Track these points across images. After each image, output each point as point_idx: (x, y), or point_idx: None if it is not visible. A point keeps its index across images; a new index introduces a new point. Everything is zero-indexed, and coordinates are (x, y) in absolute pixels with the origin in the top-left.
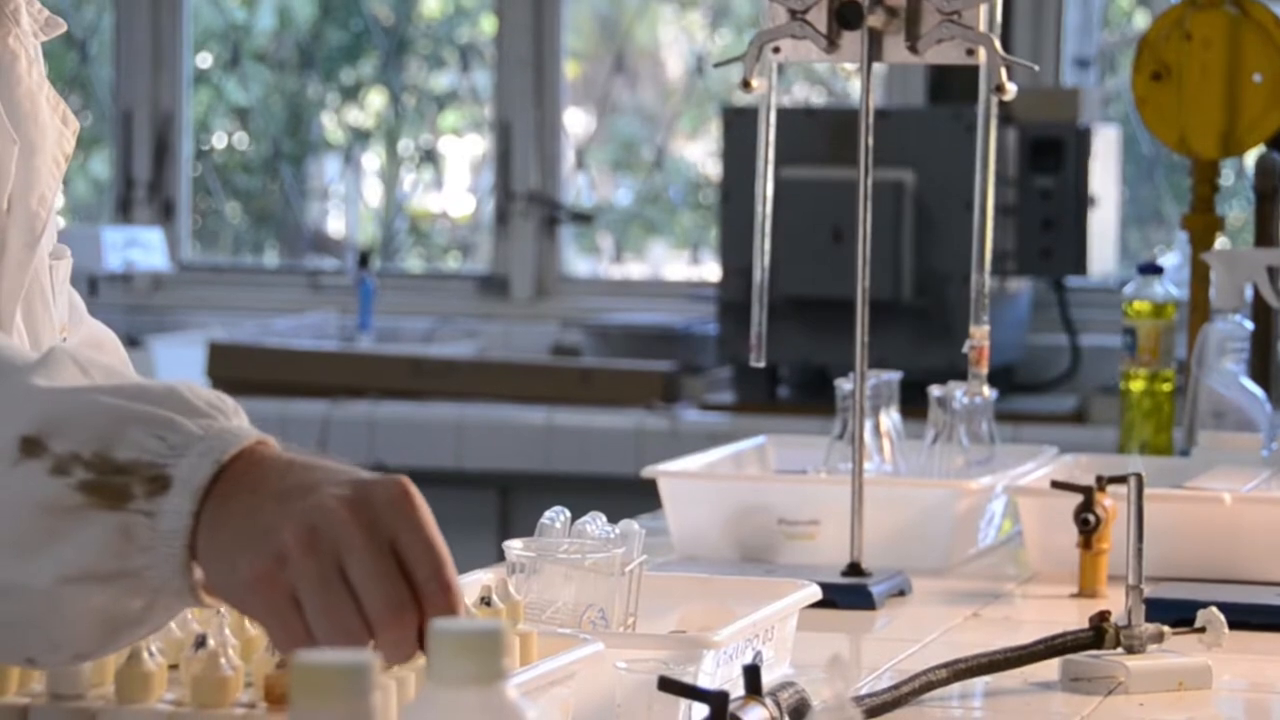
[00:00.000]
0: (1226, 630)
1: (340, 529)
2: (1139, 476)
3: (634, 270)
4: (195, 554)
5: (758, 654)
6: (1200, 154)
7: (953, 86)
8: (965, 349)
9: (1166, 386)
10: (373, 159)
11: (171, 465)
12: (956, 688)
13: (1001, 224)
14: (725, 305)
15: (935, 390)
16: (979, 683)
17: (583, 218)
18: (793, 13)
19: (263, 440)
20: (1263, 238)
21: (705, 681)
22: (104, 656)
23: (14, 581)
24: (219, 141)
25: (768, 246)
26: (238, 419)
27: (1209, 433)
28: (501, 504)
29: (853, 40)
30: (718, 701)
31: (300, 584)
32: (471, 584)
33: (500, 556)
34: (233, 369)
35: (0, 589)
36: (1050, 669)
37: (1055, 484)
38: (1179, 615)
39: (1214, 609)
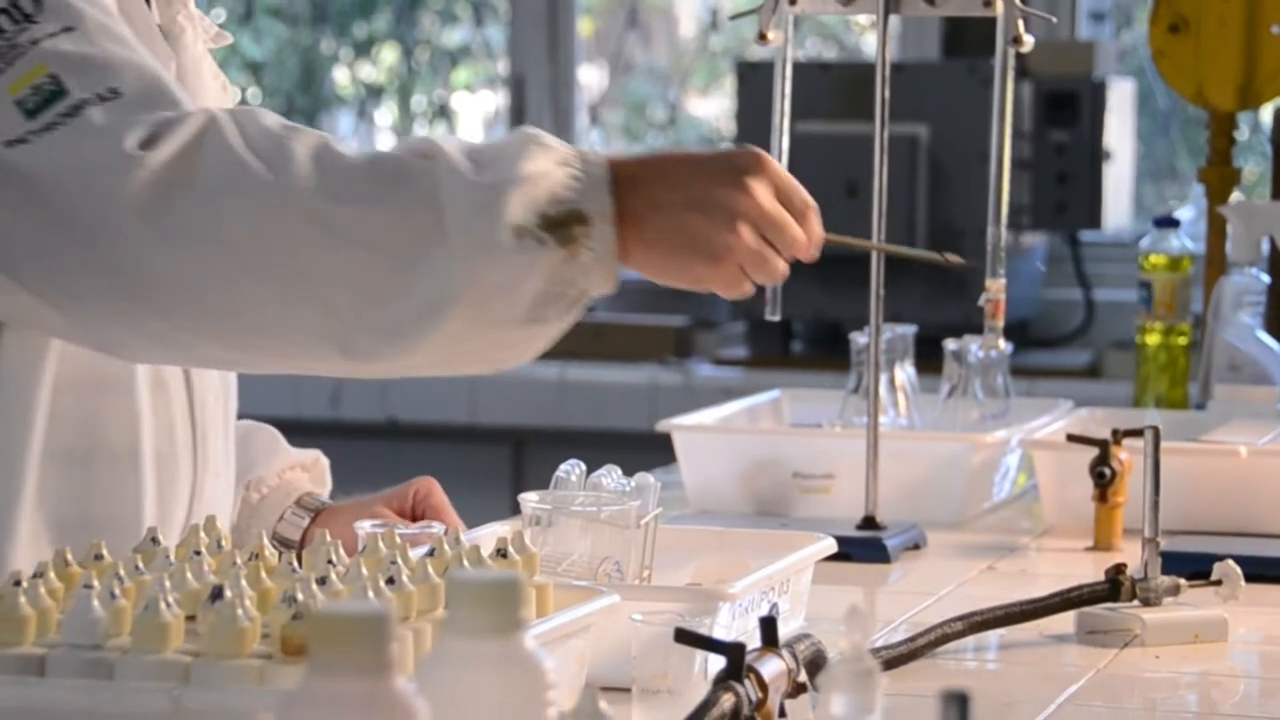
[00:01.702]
0: (1243, 583)
1: (755, 212)
2: (1155, 429)
3: None
4: (630, 262)
5: (774, 606)
6: (1218, 106)
7: (967, 40)
8: (981, 302)
9: (1182, 340)
10: (386, 115)
11: (581, 205)
12: (971, 640)
13: (1016, 178)
14: None
15: (950, 344)
16: (994, 635)
17: None
18: None
19: (604, 158)
20: (1279, 191)
21: (721, 634)
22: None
23: (507, 339)
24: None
25: None
26: (575, 149)
27: (1225, 386)
28: (515, 459)
29: None
30: (734, 653)
31: (746, 260)
32: (487, 537)
33: (514, 511)
34: None
35: (502, 343)
36: (1066, 622)
37: (1071, 437)
38: (1195, 568)
39: (1230, 562)
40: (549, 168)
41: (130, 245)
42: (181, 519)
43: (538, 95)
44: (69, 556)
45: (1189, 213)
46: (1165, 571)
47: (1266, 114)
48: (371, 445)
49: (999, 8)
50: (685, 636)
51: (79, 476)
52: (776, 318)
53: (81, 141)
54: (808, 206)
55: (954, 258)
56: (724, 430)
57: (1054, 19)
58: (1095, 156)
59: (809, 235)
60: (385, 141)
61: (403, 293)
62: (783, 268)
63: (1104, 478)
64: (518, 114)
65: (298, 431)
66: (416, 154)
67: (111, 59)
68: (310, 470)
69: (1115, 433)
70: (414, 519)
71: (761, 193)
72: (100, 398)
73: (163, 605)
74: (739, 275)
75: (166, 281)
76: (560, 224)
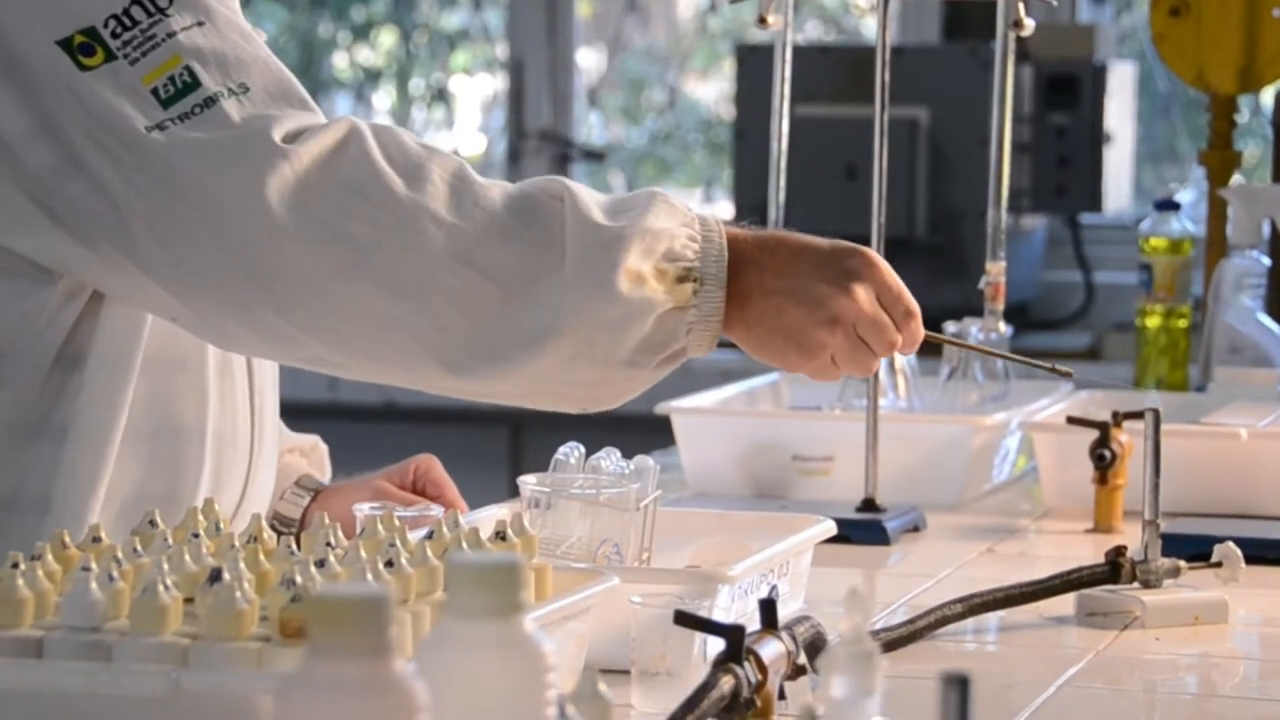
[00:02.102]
0: (1243, 565)
1: (854, 315)
2: (1156, 411)
3: None
4: (729, 333)
5: (773, 588)
6: (1218, 89)
7: (968, 23)
8: (981, 285)
9: (1182, 322)
10: (384, 98)
11: (698, 267)
12: (971, 622)
13: (1016, 161)
14: None
15: (950, 326)
16: (994, 617)
17: (595, 155)
18: None
19: (724, 228)
20: None
21: (720, 617)
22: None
23: (603, 378)
24: None
25: (783, 183)
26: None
27: (1225, 368)
28: (513, 441)
29: None
30: (734, 635)
31: (838, 356)
32: (486, 519)
33: (512, 494)
34: None
35: (598, 381)
36: (1066, 604)
37: (1071, 419)
38: (1195, 550)
39: (1230, 544)
40: (672, 226)
41: (262, 235)
42: (235, 500)
43: (536, 78)
44: (66, 538)
45: (1189, 195)
46: (1165, 553)
47: (1267, 97)
48: (370, 428)
49: None
50: (684, 619)
51: (145, 453)
52: None
53: (219, 133)
54: (910, 314)
55: (1063, 368)
56: (723, 413)
57: (1055, 2)
58: (1095, 139)
59: (909, 338)
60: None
61: (513, 319)
62: (875, 365)
63: (1104, 460)
64: (516, 97)
65: (296, 415)
66: (548, 193)
67: (242, 55)
68: (309, 455)
69: (1115, 415)
70: (415, 494)
71: (864, 297)
72: (175, 377)
73: (161, 588)
74: (830, 367)
75: (290, 277)
76: (673, 280)
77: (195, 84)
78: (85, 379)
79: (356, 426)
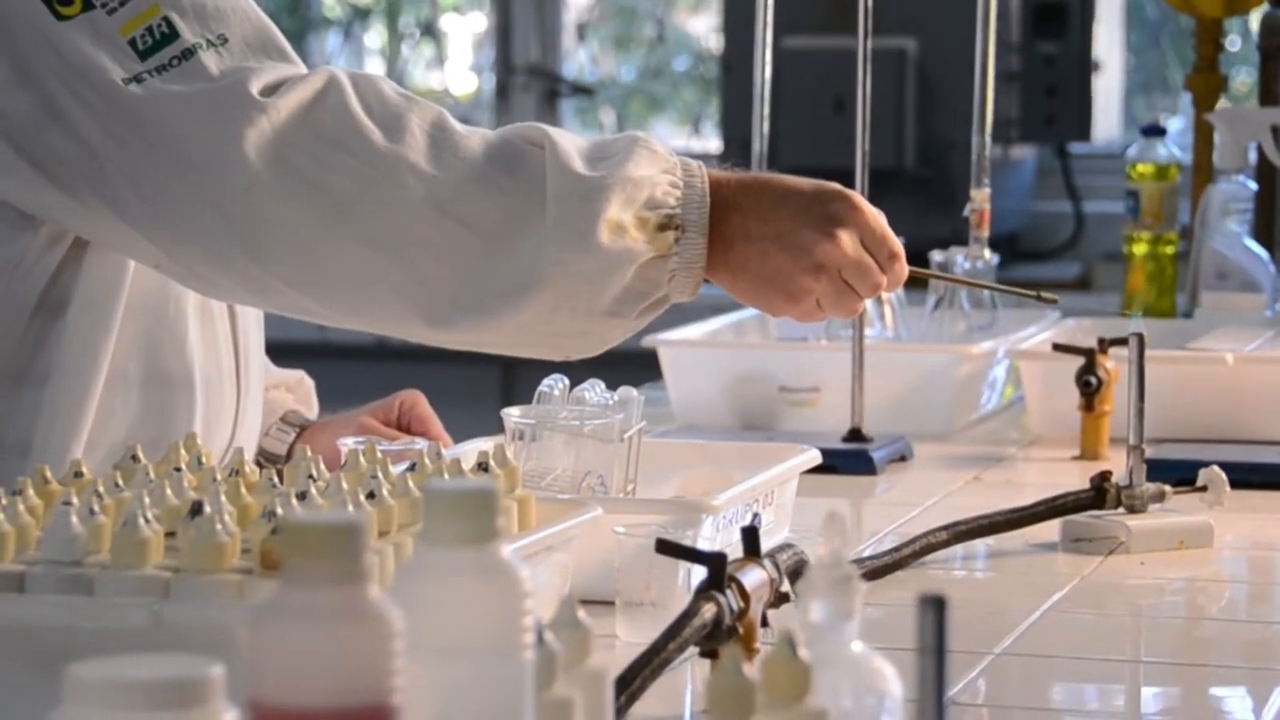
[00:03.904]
0: (1228, 489)
1: (839, 259)
2: (1140, 336)
3: None
4: (714, 279)
5: (756, 516)
6: (1204, 12)
7: None
8: (966, 212)
9: (1169, 249)
10: (374, 36)
11: (679, 213)
12: (959, 549)
13: (1005, 90)
14: None
15: (936, 255)
16: (980, 545)
17: (584, 91)
18: None
19: (706, 173)
20: (1267, 97)
21: (705, 547)
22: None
23: (585, 328)
24: None
25: (767, 113)
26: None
27: (1212, 294)
28: (504, 379)
29: None
30: (715, 563)
31: (824, 300)
32: (469, 452)
33: (502, 429)
34: None
35: (579, 331)
36: (1051, 530)
37: (1057, 347)
38: (1181, 475)
39: (1215, 468)
40: (653, 173)
41: (240, 189)
42: (225, 444)
43: (524, 13)
44: (48, 474)
45: (1178, 124)
46: (1151, 479)
47: (1257, 23)
48: (361, 367)
49: None
50: (665, 547)
51: (135, 400)
52: None
53: (197, 85)
54: (894, 256)
55: (1048, 295)
56: (710, 345)
57: None
58: (1084, 68)
59: (894, 279)
60: (376, 67)
61: (494, 270)
62: (861, 307)
63: (1090, 386)
64: (504, 32)
65: (287, 354)
66: (528, 141)
67: (221, 4)
68: (295, 390)
69: (1101, 341)
70: (400, 430)
71: (848, 242)
72: (158, 324)
73: (141, 521)
74: (816, 311)
75: (270, 229)
76: (655, 228)
77: (173, 35)
78: (68, 325)
79: (348, 366)
